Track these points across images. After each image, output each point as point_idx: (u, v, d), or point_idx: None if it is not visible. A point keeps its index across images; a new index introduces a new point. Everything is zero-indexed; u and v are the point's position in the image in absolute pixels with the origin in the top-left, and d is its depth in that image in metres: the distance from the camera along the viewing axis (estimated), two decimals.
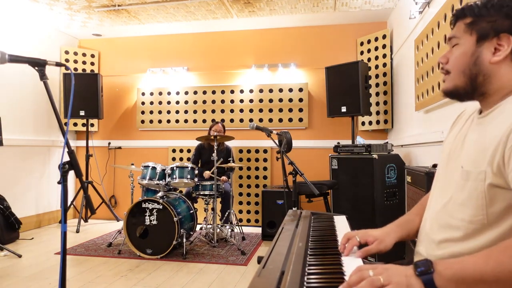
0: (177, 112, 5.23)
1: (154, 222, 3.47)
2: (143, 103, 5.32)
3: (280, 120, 4.94)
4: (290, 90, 4.93)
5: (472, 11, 0.99)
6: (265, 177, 4.98)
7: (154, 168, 3.72)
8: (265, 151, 4.98)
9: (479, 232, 0.89)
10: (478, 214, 0.88)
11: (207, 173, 4.13)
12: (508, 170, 0.82)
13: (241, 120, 5.04)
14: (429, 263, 0.78)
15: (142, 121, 5.32)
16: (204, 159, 4.43)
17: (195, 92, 5.18)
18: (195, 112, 5.18)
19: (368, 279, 0.77)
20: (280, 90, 4.96)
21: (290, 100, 4.92)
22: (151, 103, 5.30)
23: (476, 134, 0.97)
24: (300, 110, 4.90)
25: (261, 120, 4.98)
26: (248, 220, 5.01)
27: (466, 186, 0.91)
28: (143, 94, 5.33)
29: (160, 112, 5.28)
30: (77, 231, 4.53)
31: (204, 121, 5.10)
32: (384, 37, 4.47)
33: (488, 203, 0.86)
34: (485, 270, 0.74)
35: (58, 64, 1.60)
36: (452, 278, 0.76)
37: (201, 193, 3.91)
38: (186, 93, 5.21)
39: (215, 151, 3.83)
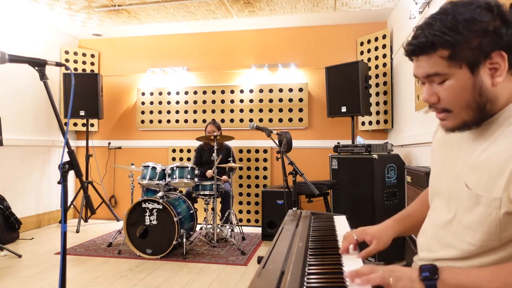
0: (177, 112, 5.23)
1: (154, 222, 3.47)
2: (143, 103, 5.32)
3: (280, 120, 4.94)
4: (290, 90, 4.93)
5: (444, 41, 0.84)
6: (265, 177, 4.98)
7: (154, 168, 3.72)
8: (265, 151, 4.97)
9: (487, 254, 0.85)
10: (490, 239, 0.84)
11: (209, 172, 4.14)
12: None
13: (241, 120, 5.04)
14: (435, 269, 0.78)
15: (142, 121, 5.32)
16: (205, 160, 4.45)
17: (195, 92, 5.18)
18: (195, 112, 5.18)
19: (380, 273, 0.80)
20: (280, 90, 4.96)
21: (290, 100, 4.92)
22: (151, 103, 5.30)
23: (480, 145, 0.90)
24: (300, 110, 4.90)
25: (261, 120, 4.98)
26: (248, 220, 5.01)
27: (476, 210, 0.85)
28: (143, 94, 5.33)
29: (160, 112, 5.28)
30: (77, 231, 4.53)
31: (204, 121, 5.10)
32: (384, 37, 4.46)
33: (502, 230, 0.82)
34: None
35: (58, 64, 1.60)
36: None
37: (201, 193, 3.91)
38: (186, 93, 5.21)
39: (215, 150, 3.84)
